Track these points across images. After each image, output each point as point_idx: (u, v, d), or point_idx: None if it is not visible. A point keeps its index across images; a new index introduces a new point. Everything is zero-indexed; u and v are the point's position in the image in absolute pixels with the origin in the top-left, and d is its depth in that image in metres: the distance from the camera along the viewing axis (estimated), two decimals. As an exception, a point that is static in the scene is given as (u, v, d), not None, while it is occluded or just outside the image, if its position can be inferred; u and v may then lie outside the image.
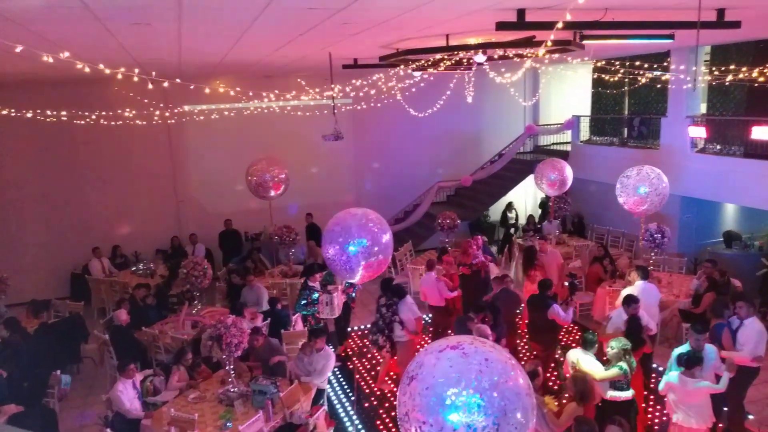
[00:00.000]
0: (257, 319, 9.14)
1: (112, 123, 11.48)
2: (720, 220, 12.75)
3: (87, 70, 5.34)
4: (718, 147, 12.19)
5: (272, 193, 12.14)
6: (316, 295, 8.80)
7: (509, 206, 16.24)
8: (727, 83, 11.28)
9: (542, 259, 10.46)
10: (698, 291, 8.95)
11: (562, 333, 9.94)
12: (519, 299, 8.96)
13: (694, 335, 6.17)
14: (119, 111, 10.95)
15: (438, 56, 8.86)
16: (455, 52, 8.38)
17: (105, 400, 7.00)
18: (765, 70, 9.24)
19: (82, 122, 11.31)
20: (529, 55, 8.87)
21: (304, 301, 9.16)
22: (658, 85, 13.01)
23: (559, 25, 4.64)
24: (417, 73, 11.11)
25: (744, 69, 10.10)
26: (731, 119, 12.20)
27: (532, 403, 3.17)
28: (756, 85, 10.13)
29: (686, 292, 9.42)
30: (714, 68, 11.30)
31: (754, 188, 10.79)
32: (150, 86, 6.36)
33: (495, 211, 16.67)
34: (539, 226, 14.31)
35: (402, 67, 10.07)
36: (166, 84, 6.60)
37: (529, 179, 15.79)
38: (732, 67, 10.26)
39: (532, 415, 3.14)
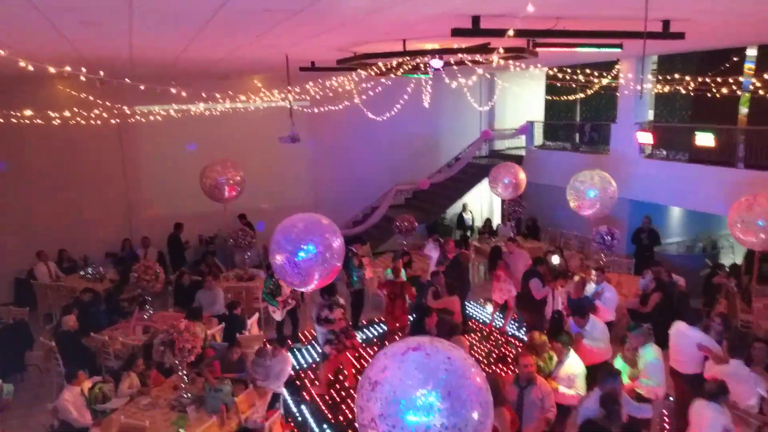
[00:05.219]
0: (212, 324, 8.99)
1: (58, 122, 11.07)
2: (667, 223, 13.22)
3: (30, 68, 5.15)
4: (665, 152, 12.64)
5: (227, 196, 11.92)
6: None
7: (464, 208, 16.46)
8: (671, 91, 11.73)
9: (508, 259, 10.63)
10: (646, 291, 9.25)
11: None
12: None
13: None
14: (66, 112, 10.55)
15: (395, 61, 8.91)
16: (413, 57, 8.45)
17: (51, 409, 6.75)
18: (707, 80, 9.66)
19: (27, 122, 10.86)
20: (484, 61, 9.02)
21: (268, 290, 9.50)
22: (611, 92, 13.40)
23: (511, 32, 4.73)
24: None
25: (688, 78, 10.53)
26: (677, 126, 12.68)
27: (490, 401, 3.23)
28: (700, 93, 10.58)
29: (635, 292, 9.71)
30: (660, 77, 11.73)
31: (698, 192, 11.24)
32: (98, 85, 6.19)
33: (451, 214, 16.87)
34: (495, 228, 14.50)
35: (359, 70, 10.09)
36: (115, 83, 6.44)
37: (485, 182, 16.06)
38: (677, 76, 10.67)
39: (490, 412, 3.20)
